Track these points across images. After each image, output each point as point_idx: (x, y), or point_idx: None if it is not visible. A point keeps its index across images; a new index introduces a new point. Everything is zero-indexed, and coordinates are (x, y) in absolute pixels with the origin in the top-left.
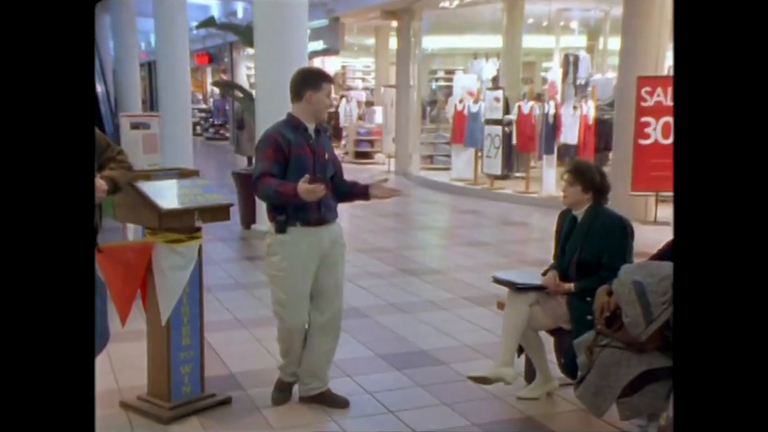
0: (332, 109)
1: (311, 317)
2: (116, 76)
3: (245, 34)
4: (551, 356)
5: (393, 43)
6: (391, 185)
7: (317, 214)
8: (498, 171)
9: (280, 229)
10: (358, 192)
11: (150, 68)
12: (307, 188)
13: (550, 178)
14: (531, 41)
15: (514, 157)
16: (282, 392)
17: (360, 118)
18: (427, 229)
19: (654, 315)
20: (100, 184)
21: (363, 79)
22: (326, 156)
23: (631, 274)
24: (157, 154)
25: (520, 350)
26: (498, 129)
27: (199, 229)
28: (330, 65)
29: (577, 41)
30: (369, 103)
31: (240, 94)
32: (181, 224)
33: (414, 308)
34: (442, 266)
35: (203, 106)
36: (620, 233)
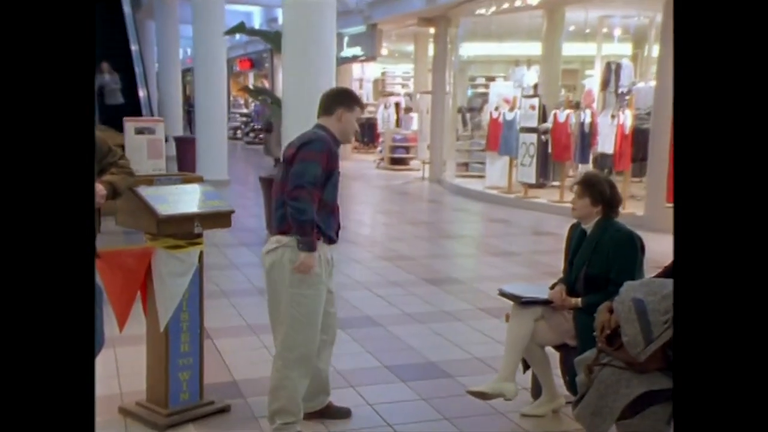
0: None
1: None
2: (159, 82)
3: (274, 41)
4: (558, 372)
5: (432, 49)
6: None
7: (336, 234)
8: (532, 180)
9: (313, 246)
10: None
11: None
12: (309, 263)
13: None
14: (573, 49)
15: (550, 166)
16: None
17: (397, 124)
18: (454, 238)
19: (654, 334)
20: (99, 188)
21: (403, 85)
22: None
23: (632, 291)
24: (162, 159)
25: (526, 366)
26: (533, 137)
27: (200, 236)
28: (370, 71)
29: (621, 49)
30: (407, 109)
31: (268, 100)
32: (181, 230)
33: (429, 318)
34: (464, 276)
35: (245, 110)
36: (629, 248)
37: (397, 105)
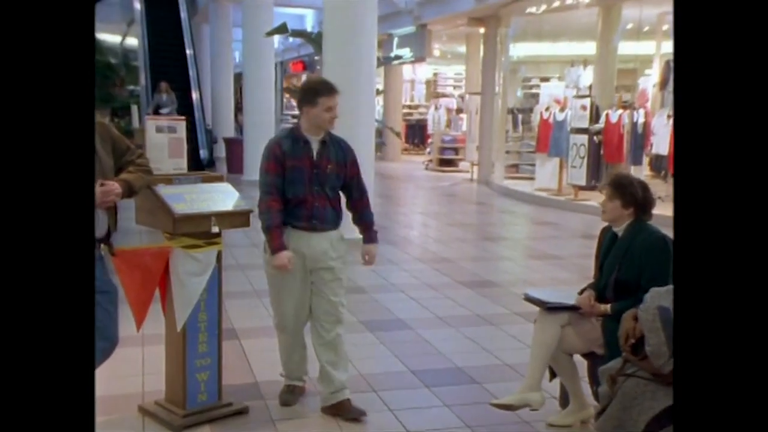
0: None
1: (312, 328)
2: (212, 85)
3: (317, 42)
4: (587, 381)
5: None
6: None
7: (307, 223)
8: (583, 182)
9: (274, 248)
10: (361, 231)
11: None
12: (281, 261)
13: None
14: (630, 47)
15: (602, 168)
16: (290, 393)
17: (447, 125)
18: (497, 241)
19: None
20: (115, 186)
21: (454, 87)
22: (329, 168)
23: (658, 298)
24: (183, 159)
25: (553, 374)
26: (584, 138)
27: (218, 235)
28: (421, 72)
29: None
30: (458, 111)
31: None
32: (198, 229)
33: (461, 323)
34: (502, 279)
35: (296, 112)
36: (661, 252)
37: (448, 108)
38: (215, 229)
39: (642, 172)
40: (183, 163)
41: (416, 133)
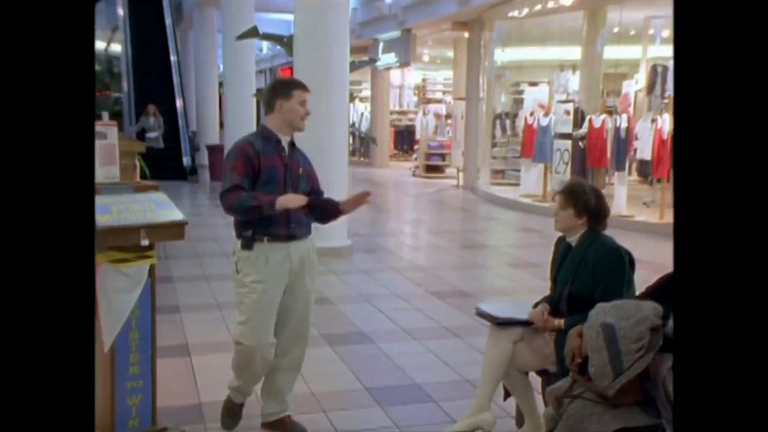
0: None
1: (277, 337)
2: (198, 91)
3: (288, 45)
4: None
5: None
6: (364, 192)
7: (286, 230)
8: None
9: (247, 245)
10: (330, 209)
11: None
12: (288, 197)
13: (621, 196)
14: (618, 52)
15: (588, 174)
16: (232, 417)
17: (435, 131)
18: (476, 248)
19: (625, 365)
20: None
21: (444, 92)
22: (300, 171)
23: (602, 315)
24: (116, 166)
25: (507, 393)
26: (567, 143)
27: (151, 248)
28: (410, 78)
29: (669, 51)
30: (447, 116)
31: None
32: (126, 242)
33: (426, 335)
34: (475, 289)
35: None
36: (615, 264)
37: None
38: (144, 243)
39: (625, 178)
40: (115, 171)
41: (405, 139)
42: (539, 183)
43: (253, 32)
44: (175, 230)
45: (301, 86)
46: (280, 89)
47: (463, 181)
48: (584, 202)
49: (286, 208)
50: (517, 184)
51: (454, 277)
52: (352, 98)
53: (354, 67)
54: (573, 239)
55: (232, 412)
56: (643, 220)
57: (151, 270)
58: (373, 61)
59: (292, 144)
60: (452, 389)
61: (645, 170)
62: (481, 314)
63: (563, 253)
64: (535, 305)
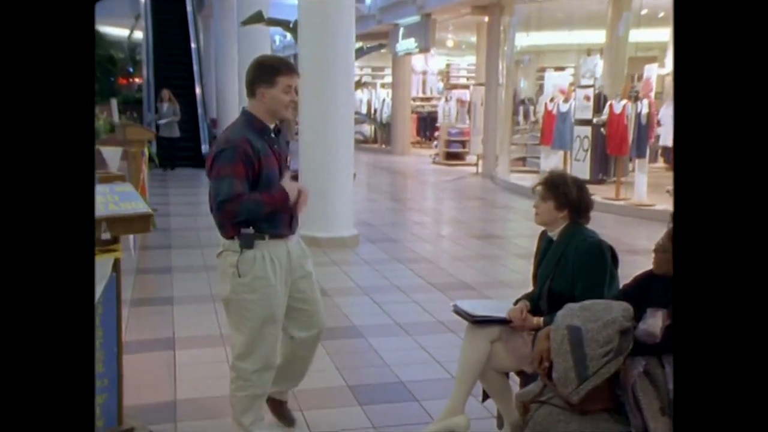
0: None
1: (292, 334)
2: (218, 78)
3: (294, 31)
4: None
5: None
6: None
7: (287, 229)
8: (587, 175)
9: (248, 244)
10: None
11: None
12: (301, 197)
13: (642, 184)
14: (645, 35)
15: (610, 161)
16: (282, 416)
17: (456, 117)
18: (486, 239)
19: (590, 370)
20: None
21: (467, 78)
22: (288, 159)
23: (570, 316)
24: None
25: (486, 395)
26: (587, 130)
27: (115, 241)
28: (434, 63)
29: None
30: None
31: None
32: None
33: (419, 330)
34: (478, 281)
35: None
36: (596, 260)
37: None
38: (106, 236)
39: (646, 165)
40: None
41: (427, 126)
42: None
43: (258, 17)
44: (139, 223)
45: (288, 70)
46: (262, 75)
47: (482, 168)
48: (565, 194)
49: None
50: (538, 172)
51: (459, 268)
52: (359, 85)
53: (361, 53)
54: (554, 233)
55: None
56: (663, 209)
57: (116, 264)
58: (381, 46)
59: (277, 131)
60: (438, 387)
61: (669, 157)
62: (458, 312)
63: (545, 248)
64: (516, 302)
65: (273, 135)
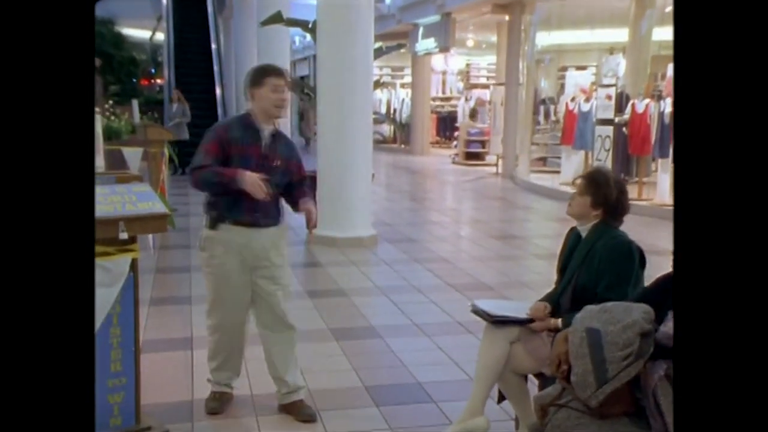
0: (281, 107)
1: (256, 323)
2: (237, 80)
3: (313, 31)
4: None
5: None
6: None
7: (250, 216)
8: None
9: (212, 225)
10: (296, 201)
11: None
12: (252, 179)
13: (664, 184)
14: (670, 33)
15: (633, 161)
16: (217, 401)
17: (472, 116)
18: (505, 239)
19: (610, 374)
20: None
21: (488, 77)
22: (277, 163)
23: (588, 318)
24: (100, 156)
25: (502, 396)
26: (608, 129)
27: (133, 241)
28: (453, 63)
29: None
30: (489, 102)
31: (307, 91)
32: (104, 235)
33: (437, 331)
34: (497, 282)
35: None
36: (624, 259)
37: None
38: (123, 235)
39: (669, 165)
40: (99, 161)
41: (447, 126)
42: (580, 171)
43: (277, 18)
44: (156, 223)
45: (275, 72)
46: (253, 77)
47: (502, 168)
48: (604, 194)
49: (247, 192)
50: (559, 172)
51: (477, 269)
52: (378, 85)
53: (380, 53)
54: (584, 229)
55: (216, 398)
56: None
57: (134, 264)
58: (400, 46)
59: (273, 135)
60: (455, 388)
61: None
62: (476, 311)
63: (573, 244)
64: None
65: (270, 138)
